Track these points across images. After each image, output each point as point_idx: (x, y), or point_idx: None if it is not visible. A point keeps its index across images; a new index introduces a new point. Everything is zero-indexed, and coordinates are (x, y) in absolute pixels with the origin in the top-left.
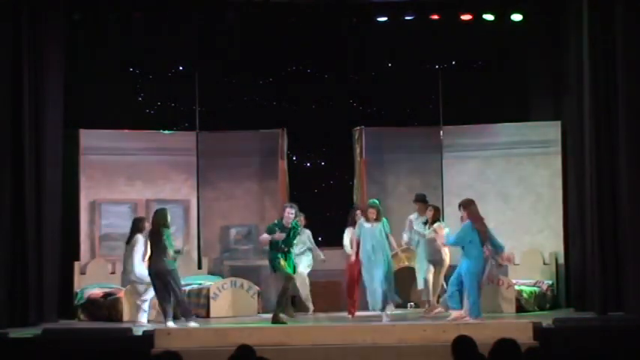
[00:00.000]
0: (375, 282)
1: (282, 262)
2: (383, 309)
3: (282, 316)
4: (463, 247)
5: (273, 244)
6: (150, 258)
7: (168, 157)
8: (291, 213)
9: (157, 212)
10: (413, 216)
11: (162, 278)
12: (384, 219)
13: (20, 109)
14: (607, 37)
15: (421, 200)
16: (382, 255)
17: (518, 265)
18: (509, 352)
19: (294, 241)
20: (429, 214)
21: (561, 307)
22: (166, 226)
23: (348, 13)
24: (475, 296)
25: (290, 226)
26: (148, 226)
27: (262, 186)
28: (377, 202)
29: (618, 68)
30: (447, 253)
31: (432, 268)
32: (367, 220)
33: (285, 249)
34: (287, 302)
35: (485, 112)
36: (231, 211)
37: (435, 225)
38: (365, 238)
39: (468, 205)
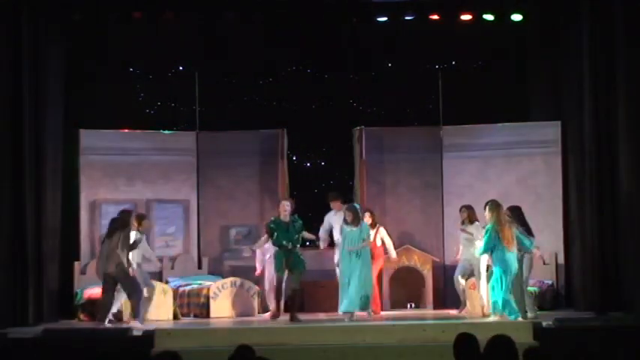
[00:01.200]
0: (351, 285)
1: (284, 262)
2: (361, 309)
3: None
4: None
5: (276, 242)
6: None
7: (169, 157)
8: (287, 206)
9: (127, 213)
10: (332, 213)
11: (111, 280)
12: (363, 223)
13: (20, 109)
14: (607, 37)
15: (335, 198)
16: (360, 259)
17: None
18: (504, 348)
19: (296, 236)
20: (464, 215)
21: (561, 307)
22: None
23: (348, 13)
24: (498, 295)
25: (288, 220)
26: (132, 221)
27: (262, 186)
28: (356, 205)
29: (618, 68)
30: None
31: (467, 270)
32: (346, 222)
33: (289, 246)
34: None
35: (485, 112)
36: (231, 211)
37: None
38: (345, 240)
39: (494, 209)
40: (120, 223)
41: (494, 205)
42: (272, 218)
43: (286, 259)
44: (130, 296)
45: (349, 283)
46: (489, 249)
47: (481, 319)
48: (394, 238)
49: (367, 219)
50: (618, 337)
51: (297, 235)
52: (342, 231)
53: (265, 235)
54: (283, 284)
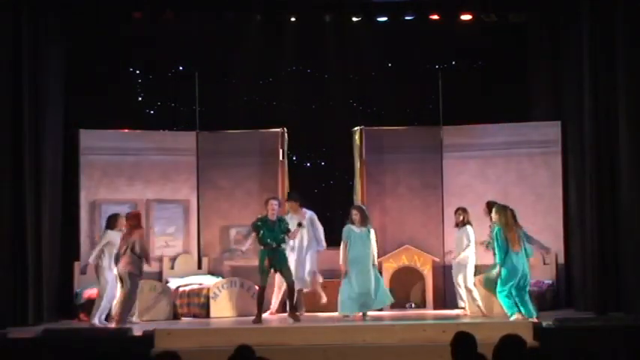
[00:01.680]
0: (361, 286)
1: (267, 263)
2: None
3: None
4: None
5: (262, 240)
6: (121, 260)
7: (169, 157)
8: (275, 205)
9: (130, 215)
10: (288, 217)
11: (126, 281)
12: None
13: (20, 109)
14: (607, 37)
15: (294, 199)
16: (369, 260)
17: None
18: (516, 348)
19: (282, 236)
20: (459, 218)
21: (561, 307)
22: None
23: (348, 13)
24: (504, 300)
25: (275, 219)
26: (122, 223)
27: (262, 186)
28: (363, 206)
29: (618, 68)
30: (471, 254)
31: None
32: (352, 222)
33: (274, 245)
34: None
35: (485, 112)
36: (231, 211)
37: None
38: (355, 241)
39: (500, 210)
40: (134, 226)
41: (500, 207)
42: (259, 216)
43: (270, 259)
44: (125, 299)
45: (352, 284)
46: (505, 252)
47: (481, 320)
48: (394, 238)
49: (355, 216)
50: (618, 337)
51: (282, 235)
52: (348, 234)
53: (253, 234)
54: (287, 287)
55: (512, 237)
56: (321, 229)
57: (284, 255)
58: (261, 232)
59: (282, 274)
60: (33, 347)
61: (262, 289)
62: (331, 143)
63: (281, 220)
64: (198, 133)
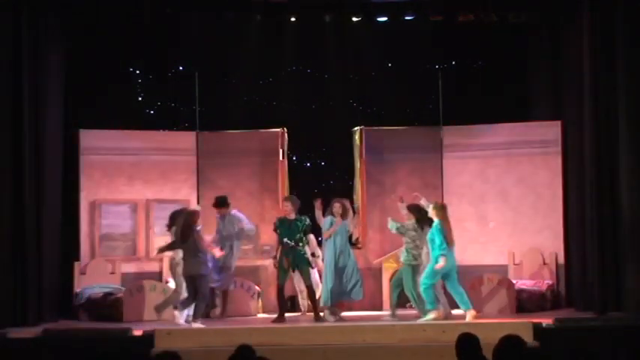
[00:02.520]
0: (341, 277)
1: (285, 262)
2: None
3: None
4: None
5: (279, 240)
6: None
7: (169, 157)
8: (286, 206)
9: (188, 213)
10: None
11: (193, 282)
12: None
13: (20, 109)
14: (607, 37)
15: (220, 204)
16: (348, 253)
17: (518, 264)
18: (516, 349)
19: (299, 235)
20: (411, 217)
21: (561, 307)
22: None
23: (348, 13)
24: (427, 293)
25: (293, 218)
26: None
27: (262, 186)
28: (345, 200)
29: (618, 68)
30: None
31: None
32: (333, 215)
33: (290, 243)
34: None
35: (485, 112)
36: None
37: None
38: (335, 234)
39: (439, 208)
40: (190, 225)
41: (439, 205)
42: (278, 217)
43: (288, 258)
44: (203, 296)
45: (335, 277)
46: (445, 246)
47: (480, 320)
48: (394, 238)
49: (338, 209)
50: (618, 337)
51: (299, 235)
52: (330, 225)
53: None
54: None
55: (450, 233)
56: (247, 226)
57: (302, 255)
58: (279, 231)
59: (300, 274)
60: (33, 347)
61: (280, 287)
62: (331, 143)
63: (298, 220)
64: (198, 133)
